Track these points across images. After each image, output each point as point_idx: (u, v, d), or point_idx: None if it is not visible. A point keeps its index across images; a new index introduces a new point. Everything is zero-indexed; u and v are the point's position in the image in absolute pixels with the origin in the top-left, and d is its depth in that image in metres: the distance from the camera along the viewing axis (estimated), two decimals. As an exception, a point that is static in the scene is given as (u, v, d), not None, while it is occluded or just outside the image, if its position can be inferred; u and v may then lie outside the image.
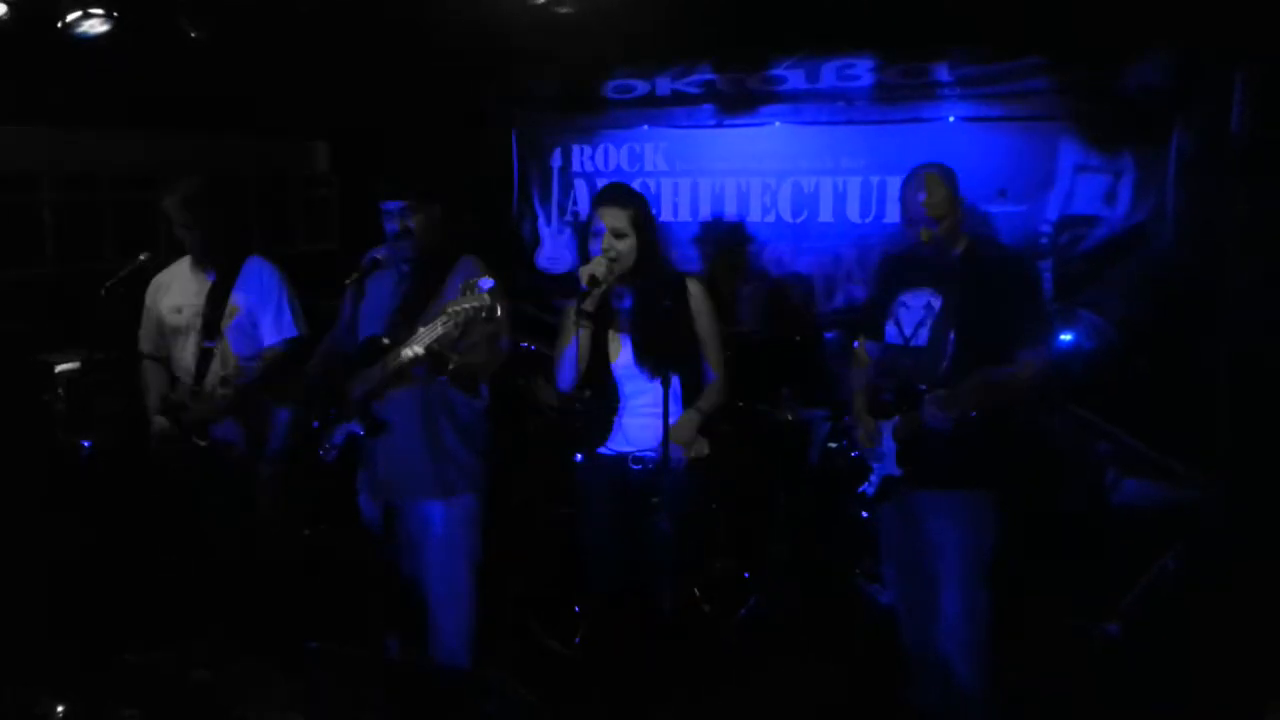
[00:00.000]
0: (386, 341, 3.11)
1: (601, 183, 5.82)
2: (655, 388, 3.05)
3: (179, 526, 3.94)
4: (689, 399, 3.21)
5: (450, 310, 2.81)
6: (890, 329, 3.18)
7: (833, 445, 4.45)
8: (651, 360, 3.14)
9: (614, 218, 3.13)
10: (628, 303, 3.21)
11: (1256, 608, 3.61)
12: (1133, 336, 4.73)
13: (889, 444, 3.10)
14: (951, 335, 2.99)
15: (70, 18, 3.93)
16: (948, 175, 3.07)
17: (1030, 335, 2.94)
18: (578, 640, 3.92)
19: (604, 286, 3.04)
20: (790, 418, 4.33)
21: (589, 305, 3.05)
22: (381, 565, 3.47)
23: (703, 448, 3.24)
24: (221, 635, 4.06)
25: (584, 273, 3.03)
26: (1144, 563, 3.94)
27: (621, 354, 3.21)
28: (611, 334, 3.24)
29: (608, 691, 3.46)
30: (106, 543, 4.23)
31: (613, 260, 3.07)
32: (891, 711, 3.49)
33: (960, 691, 3.04)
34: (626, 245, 3.13)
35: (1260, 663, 3.38)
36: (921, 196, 3.01)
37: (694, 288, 3.24)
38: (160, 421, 3.74)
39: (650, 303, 3.16)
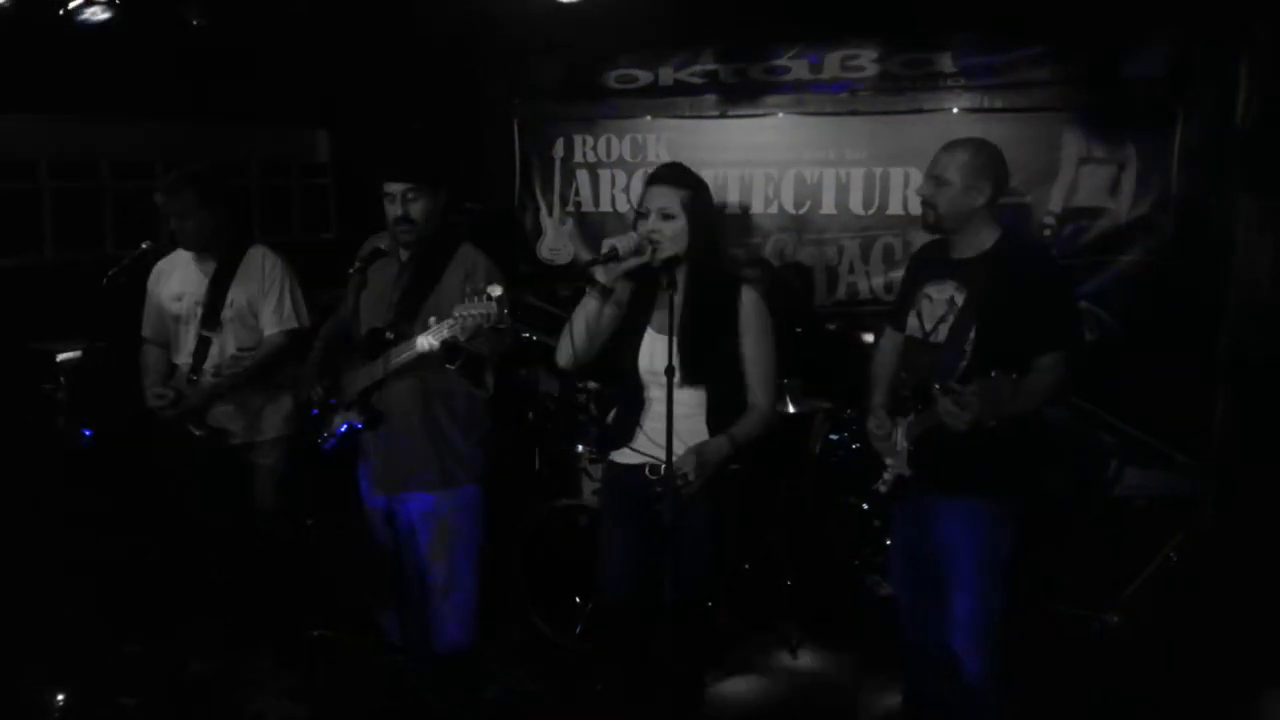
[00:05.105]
0: (390, 336, 3.10)
1: (604, 173, 5.84)
2: (685, 395, 2.78)
3: (179, 515, 3.94)
4: (716, 420, 2.84)
5: (458, 314, 2.76)
6: (912, 321, 3.04)
7: (834, 437, 4.46)
8: (686, 365, 2.77)
9: (664, 197, 2.80)
10: (672, 295, 2.80)
11: (1257, 599, 3.61)
12: (1135, 327, 4.74)
13: (903, 442, 2.98)
14: (972, 333, 2.84)
15: (73, 4, 3.92)
16: (971, 145, 2.90)
17: (1054, 340, 2.79)
18: (578, 630, 3.92)
19: (626, 264, 2.73)
20: (791, 409, 4.32)
21: (603, 276, 2.76)
22: (383, 555, 3.46)
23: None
24: (222, 625, 4.07)
25: (607, 243, 2.73)
26: (1146, 554, 3.94)
27: (652, 352, 2.86)
28: (648, 330, 2.90)
29: (607, 681, 3.45)
30: (107, 532, 4.23)
31: (654, 243, 2.75)
32: (891, 703, 3.49)
33: (967, 687, 2.97)
34: (674, 229, 2.77)
35: (1261, 653, 3.39)
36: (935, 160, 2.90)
37: (749, 298, 2.84)
38: (156, 396, 3.70)
39: (695, 300, 2.81)
